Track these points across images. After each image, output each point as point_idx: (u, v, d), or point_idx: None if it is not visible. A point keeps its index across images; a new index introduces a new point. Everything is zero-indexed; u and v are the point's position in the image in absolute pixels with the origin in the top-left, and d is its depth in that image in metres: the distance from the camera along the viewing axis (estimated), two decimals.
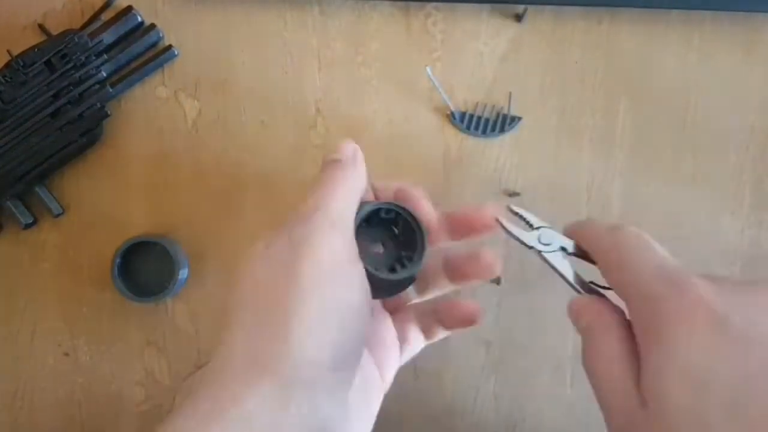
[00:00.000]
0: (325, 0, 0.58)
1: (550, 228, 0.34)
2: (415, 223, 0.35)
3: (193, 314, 0.60)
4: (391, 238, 0.37)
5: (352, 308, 0.31)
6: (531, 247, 0.33)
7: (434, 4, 0.58)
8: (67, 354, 0.60)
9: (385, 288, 0.34)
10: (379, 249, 0.37)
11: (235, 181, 0.59)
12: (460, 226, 0.38)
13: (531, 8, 0.58)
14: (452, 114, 0.58)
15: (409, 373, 0.60)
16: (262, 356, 0.29)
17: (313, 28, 0.59)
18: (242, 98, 0.59)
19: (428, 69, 0.55)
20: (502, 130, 0.58)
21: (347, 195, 0.33)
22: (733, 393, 0.24)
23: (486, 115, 0.59)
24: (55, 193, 0.59)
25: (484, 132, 0.58)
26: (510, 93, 0.57)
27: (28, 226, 0.59)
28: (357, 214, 0.33)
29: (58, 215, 0.59)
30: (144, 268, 0.59)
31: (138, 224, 0.60)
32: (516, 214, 0.36)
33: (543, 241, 0.33)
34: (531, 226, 0.34)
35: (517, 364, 0.60)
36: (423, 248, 0.35)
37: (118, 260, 0.57)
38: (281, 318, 0.30)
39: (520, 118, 0.59)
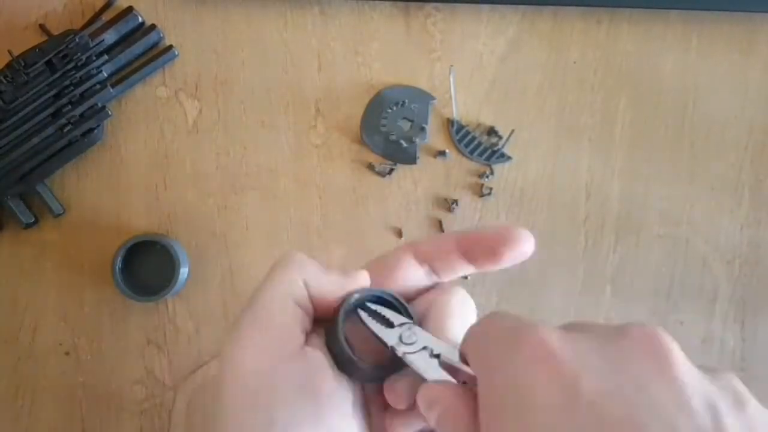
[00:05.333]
0: (325, 0, 0.59)
1: (412, 324, 0.29)
2: (397, 303, 0.31)
3: (193, 314, 0.60)
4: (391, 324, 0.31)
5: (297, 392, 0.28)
6: (390, 347, 0.29)
7: (434, 4, 0.58)
8: (68, 353, 0.60)
9: (368, 374, 0.30)
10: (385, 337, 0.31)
11: (235, 181, 0.60)
12: (477, 251, 0.31)
13: (531, 8, 0.58)
14: (452, 122, 0.58)
15: None
16: None
17: (313, 28, 0.59)
18: (242, 98, 0.59)
19: (452, 72, 0.55)
20: (488, 160, 0.59)
21: (275, 292, 0.30)
22: None
23: (480, 139, 0.59)
24: (56, 192, 0.59)
25: (472, 153, 0.59)
26: (513, 130, 0.58)
27: (29, 226, 0.59)
28: (341, 307, 0.30)
29: (59, 215, 0.59)
30: (145, 268, 0.60)
31: (138, 224, 0.60)
32: (375, 312, 0.30)
33: (405, 340, 0.29)
34: (391, 324, 0.30)
35: None
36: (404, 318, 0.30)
37: (119, 260, 0.57)
38: None
39: (510, 158, 0.59)
